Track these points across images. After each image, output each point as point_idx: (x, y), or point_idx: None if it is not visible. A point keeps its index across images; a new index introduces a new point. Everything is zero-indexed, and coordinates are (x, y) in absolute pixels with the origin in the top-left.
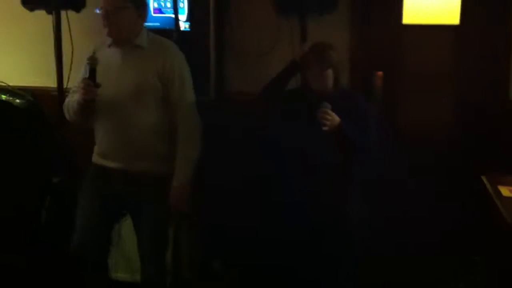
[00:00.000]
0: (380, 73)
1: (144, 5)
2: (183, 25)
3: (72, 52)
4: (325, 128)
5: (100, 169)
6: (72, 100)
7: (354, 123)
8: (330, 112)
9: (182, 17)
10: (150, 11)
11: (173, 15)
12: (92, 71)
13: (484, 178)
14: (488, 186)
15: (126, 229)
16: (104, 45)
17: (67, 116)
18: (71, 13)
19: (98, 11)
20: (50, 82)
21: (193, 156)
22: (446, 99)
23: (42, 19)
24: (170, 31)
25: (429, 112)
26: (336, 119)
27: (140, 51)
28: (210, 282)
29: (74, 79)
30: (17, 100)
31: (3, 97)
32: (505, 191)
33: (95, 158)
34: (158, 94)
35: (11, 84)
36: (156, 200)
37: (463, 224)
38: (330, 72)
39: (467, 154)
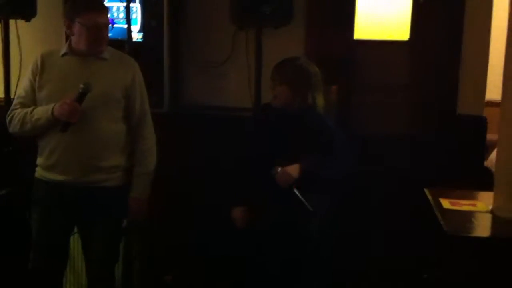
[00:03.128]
0: (334, 86)
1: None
2: (136, 36)
3: (21, 61)
4: (286, 185)
5: (49, 184)
6: (35, 116)
7: (318, 150)
8: (281, 172)
9: (135, 27)
10: None
11: (125, 26)
12: (82, 96)
13: (426, 191)
14: (430, 198)
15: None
16: (53, 54)
17: (15, 128)
18: (20, 22)
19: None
20: None
21: (151, 169)
22: (398, 112)
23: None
24: (122, 41)
25: (381, 124)
26: (293, 173)
27: (103, 63)
28: None
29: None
30: None
31: None
32: (445, 203)
33: (42, 172)
34: (120, 106)
35: None
36: (110, 212)
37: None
38: (284, 87)
39: (416, 166)
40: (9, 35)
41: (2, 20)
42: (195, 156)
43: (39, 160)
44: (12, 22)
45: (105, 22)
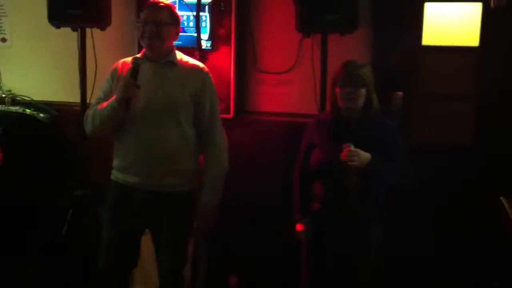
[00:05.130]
0: (400, 93)
1: (180, 24)
2: (205, 44)
3: (96, 68)
4: (354, 164)
5: (122, 187)
6: (101, 107)
7: (381, 153)
8: (354, 150)
9: (204, 36)
10: None
11: (195, 34)
12: (135, 72)
13: (503, 199)
14: (506, 206)
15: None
16: (129, 61)
17: (89, 126)
18: (95, 31)
19: (139, 23)
20: (73, 97)
21: (222, 174)
22: (463, 121)
23: (67, 36)
24: (192, 49)
25: (447, 133)
26: (364, 157)
27: (172, 68)
28: None
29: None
30: (41, 115)
31: (28, 111)
32: None
33: (116, 174)
34: (190, 112)
35: (35, 98)
36: (179, 217)
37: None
38: (363, 91)
39: (484, 176)
40: (86, 44)
41: (78, 29)
42: (261, 161)
43: (114, 162)
44: (88, 31)
45: (158, 21)
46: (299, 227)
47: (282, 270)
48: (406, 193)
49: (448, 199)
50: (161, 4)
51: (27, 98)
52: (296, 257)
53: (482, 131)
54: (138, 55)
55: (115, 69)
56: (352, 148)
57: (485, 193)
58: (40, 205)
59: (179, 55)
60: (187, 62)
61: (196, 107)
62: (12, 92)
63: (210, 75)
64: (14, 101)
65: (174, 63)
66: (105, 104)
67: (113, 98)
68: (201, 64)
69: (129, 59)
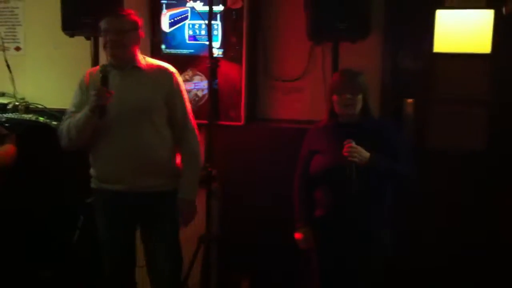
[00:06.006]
0: (410, 100)
1: (141, 27)
2: (217, 52)
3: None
4: (354, 160)
5: (107, 194)
6: (75, 118)
7: (386, 154)
8: (355, 146)
9: (216, 44)
10: (185, 38)
11: (207, 42)
12: (105, 78)
13: None
14: None
15: None
16: (96, 71)
17: (65, 139)
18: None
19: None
20: None
21: (198, 172)
22: (476, 127)
23: (80, 44)
24: (204, 57)
25: (460, 138)
26: (365, 154)
27: (140, 72)
28: None
29: None
30: (54, 122)
31: (41, 119)
32: None
33: (98, 183)
34: (163, 113)
35: (48, 106)
36: (167, 217)
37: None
38: (360, 97)
39: (501, 181)
40: (98, 52)
41: (92, 38)
42: (272, 167)
43: (94, 172)
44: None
45: (119, 27)
46: (297, 235)
47: (293, 274)
48: (419, 198)
49: (462, 204)
50: (120, 12)
51: (40, 106)
52: (304, 260)
53: (496, 137)
54: (105, 63)
55: (82, 80)
56: (353, 144)
57: (499, 198)
58: (52, 211)
59: (143, 58)
60: (152, 64)
61: (169, 108)
62: (26, 100)
63: (177, 74)
64: (28, 109)
65: (140, 68)
66: (79, 114)
67: (86, 108)
68: (166, 65)
69: (95, 68)
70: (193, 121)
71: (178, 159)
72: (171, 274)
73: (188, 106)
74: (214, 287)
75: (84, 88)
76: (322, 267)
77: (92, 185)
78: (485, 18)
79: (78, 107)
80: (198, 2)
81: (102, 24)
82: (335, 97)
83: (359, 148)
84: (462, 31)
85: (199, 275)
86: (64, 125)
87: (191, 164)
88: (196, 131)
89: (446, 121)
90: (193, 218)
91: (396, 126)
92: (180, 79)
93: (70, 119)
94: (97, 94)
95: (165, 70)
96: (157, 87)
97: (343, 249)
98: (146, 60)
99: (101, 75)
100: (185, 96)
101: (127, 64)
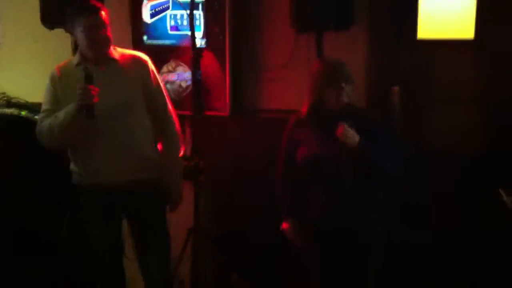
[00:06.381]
0: (396, 88)
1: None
2: (200, 42)
3: None
4: (346, 141)
5: (95, 190)
6: (58, 118)
7: (374, 142)
8: (348, 129)
9: (199, 34)
10: (167, 29)
11: (189, 32)
12: (90, 77)
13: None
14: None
15: None
16: (67, 66)
17: (47, 139)
18: None
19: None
20: None
21: (181, 160)
22: (465, 114)
23: (61, 37)
24: (187, 48)
25: (447, 125)
26: (356, 138)
27: (115, 64)
28: None
29: None
30: (36, 116)
31: (23, 113)
32: None
33: (83, 180)
34: (143, 101)
35: (30, 100)
36: (157, 207)
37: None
38: (348, 87)
39: (490, 166)
40: None
41: None
42: (259, 159)
43: (76, 168)
44: None
45: (102, 22)
46: (284, 225)
47: (284, 268)
48: (416, 198)
49: (459, 205)
50: (96, 5)
51: (21, 100)
52: (295, 253)
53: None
54: (75, 59)
55: (53, 77)
56: (346, 126)
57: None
58: (36, 207)
59: (116, 50)
60: (124, 54)
61: (147, 96)
62: (7, 94)
63: (149, 61)
64: (9, 103)
65: (115, 59)
66: (61, 114)
67: (69, 107)
68: (138, 53)
69: (63, 64)
70: (172, 106)
71: (159, 146)
72: (161, 265)
73: (165, 91)
74: (204, 281)
75: (57, 84)
76: (322, 267)
77: (74, 181)
78: (467, 1)
79: (53, 104)
80: None
81: (84, 20)
82: (329, 89)
83: (352, 132)
84: (445, 16)
85: (189, 266)
86: (45, 125)
87: (175, 152)
88: (175, 116)
89: (434, 112)
90: (180, 202)
91: (383, 118)
92: (152, 65)
93: (51, 119)
94: (84, 94)
95: (139, 59)
96: (135, 78)
97: (341, 248)
98: (117, 51)
99: (85, 74)
100: (161, 82)
101: (103, 58)
